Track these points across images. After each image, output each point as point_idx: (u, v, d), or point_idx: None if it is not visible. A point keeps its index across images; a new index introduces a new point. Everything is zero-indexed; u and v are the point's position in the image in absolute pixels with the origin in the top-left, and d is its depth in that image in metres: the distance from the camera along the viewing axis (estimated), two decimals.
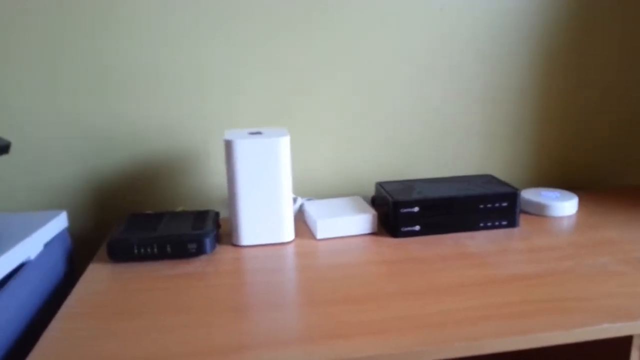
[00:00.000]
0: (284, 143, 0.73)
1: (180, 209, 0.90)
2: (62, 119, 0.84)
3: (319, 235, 0.77)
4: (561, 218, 0.84)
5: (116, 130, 0.86)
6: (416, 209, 0.76)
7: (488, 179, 0.86)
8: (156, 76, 0.85)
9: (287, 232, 0.76)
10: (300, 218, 0.86)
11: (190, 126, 0.88)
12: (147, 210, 0.90)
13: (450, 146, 0.97)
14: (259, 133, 0.75)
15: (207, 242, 0.71)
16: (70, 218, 0.87)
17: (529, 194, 0.88)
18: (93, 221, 0.88)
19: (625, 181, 1.07)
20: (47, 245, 0.70)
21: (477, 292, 0.60)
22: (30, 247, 0.65)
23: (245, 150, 0.72)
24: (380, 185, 0.84)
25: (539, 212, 0.85)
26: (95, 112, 0.84)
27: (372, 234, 0.79)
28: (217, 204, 0.92)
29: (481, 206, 0.78)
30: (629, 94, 1.02)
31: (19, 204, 0.86)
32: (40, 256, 0.67)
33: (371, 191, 0.96)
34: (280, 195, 0.74)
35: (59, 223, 0.73)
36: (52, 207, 0.87)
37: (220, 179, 0.91)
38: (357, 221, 0.78)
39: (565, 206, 0.85)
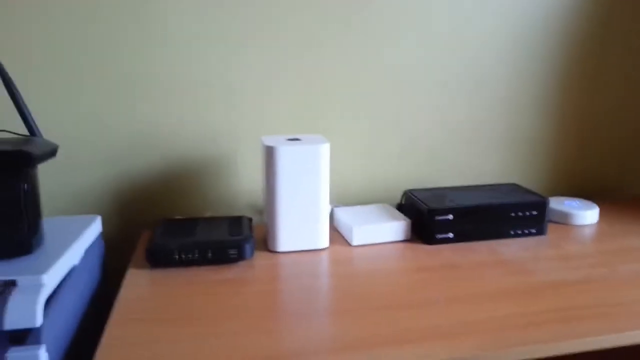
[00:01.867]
0: (325, 150, 0.73)
1: (208, 214, 0.90)
2: (90, 124, 0.83)
3: (355, 242, 0.78)
4: (584, 226, 0.86)
5: (144, 136, 0.85)
6: (450, 216, 0.78)
7: (513, 187, 0.88)
8: (187, 83, 0.85)
9: (323, 239, 0.77)
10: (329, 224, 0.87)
11: (219, 132, 0.88)
12: (175, 215, 0.89)
13: (470, 155, 0.99)
14: (297, 139, 0.76)
15: (247, 247, 0.72)
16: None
17: (554, 203, 0.90)
18: (120, 225, 0.88)
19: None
20: (86, 251, 0.69)
21: (520, 299, 0.61)
22: (76, 253, 0.64)
23: (287, 157, 0.72)
24: (410, 192, 0.85)
25: (562, 220, 0.88)
26: (125, 118, 0.84)
27: (405, 241, 0.80)
28: (244, 210, 0.92)
29: (512, 214, 0.80)
30: None
31: (46, 209, 0.85)
32: (82, 261, 0.67)
33: (391, 198, 0.97)
34: (318, 202, 0.75)
35: (95, 228, 0.73)
36: (79, 211, 0.86)
37: (249, 184, 0.91)
38: (392, 228, 0.79)
39: (587, 215, 0.87)
